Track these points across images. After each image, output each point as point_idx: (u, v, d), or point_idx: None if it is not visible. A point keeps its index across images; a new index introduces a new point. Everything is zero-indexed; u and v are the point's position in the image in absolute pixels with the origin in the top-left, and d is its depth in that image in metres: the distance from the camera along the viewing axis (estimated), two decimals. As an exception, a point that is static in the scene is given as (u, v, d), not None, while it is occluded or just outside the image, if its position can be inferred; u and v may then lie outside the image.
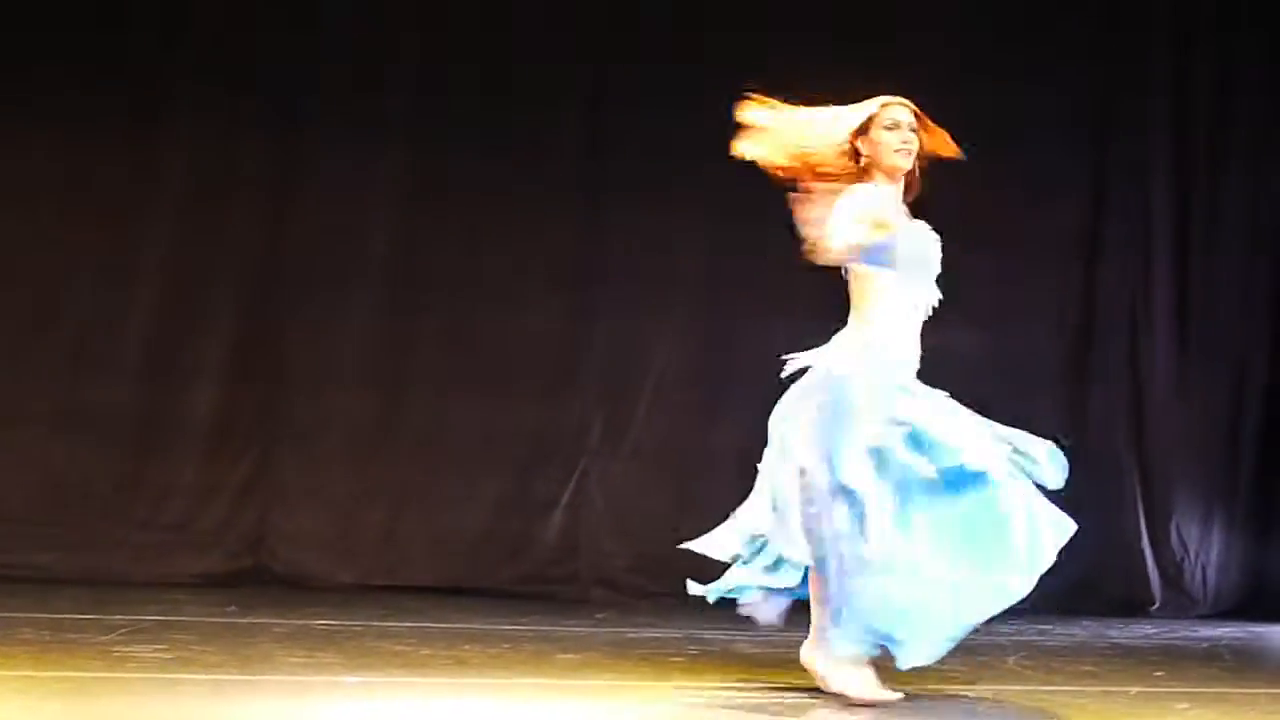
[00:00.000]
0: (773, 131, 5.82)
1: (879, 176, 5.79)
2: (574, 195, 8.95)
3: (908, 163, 5.84)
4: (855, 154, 5.81)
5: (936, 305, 5.88)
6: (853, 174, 5.79)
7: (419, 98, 8.85)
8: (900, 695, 5.66)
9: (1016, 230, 9.28)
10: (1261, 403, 9.65)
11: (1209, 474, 9.60)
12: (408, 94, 8.85)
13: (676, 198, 8.85)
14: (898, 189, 5.84)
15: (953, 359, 9.20)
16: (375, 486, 8.76)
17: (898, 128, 5.81)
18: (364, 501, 8.75)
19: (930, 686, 6.06)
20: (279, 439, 8.73)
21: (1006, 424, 7.93)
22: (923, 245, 5.81)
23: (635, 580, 8.71)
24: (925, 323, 8.28)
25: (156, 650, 5.99)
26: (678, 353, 8.92)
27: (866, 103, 5.86)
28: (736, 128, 5.82)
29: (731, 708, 5.54)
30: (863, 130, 5.80)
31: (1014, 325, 9.29)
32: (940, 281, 5.85)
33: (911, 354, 5.85)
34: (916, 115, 5.86)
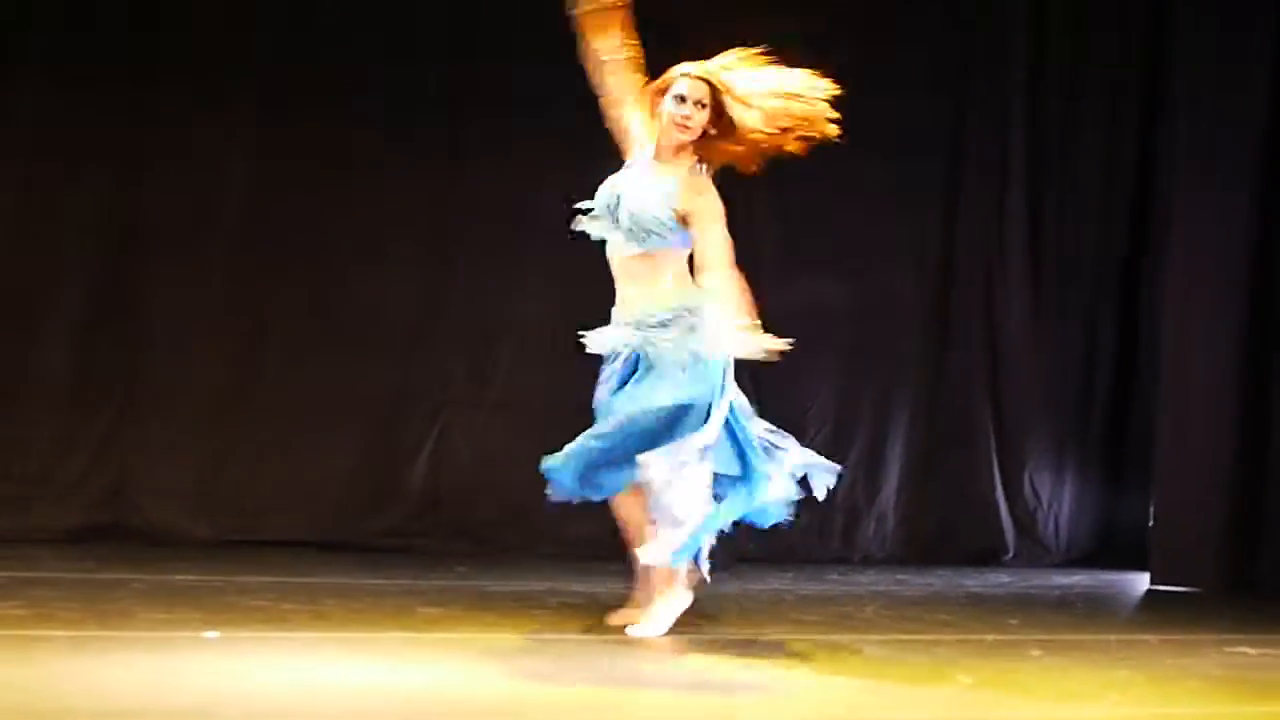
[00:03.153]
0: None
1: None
2: (430, 148, 8.90)
3: (683, 136, 6.00)
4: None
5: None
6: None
7: (274, 59, 8.76)
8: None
9: (873, 186, 9.36)
10: (1112, 355, 9.82)
11: (1062, 425, 9.76)
12: (262, 55, 8.75)
13: (533, 147, 8.82)
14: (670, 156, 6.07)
15: (813, 311, 9.35)
16: (235, 441, 8.69)
17: (682, 101, 5.94)
18: (224, 456, 8.67)
19: (784, 634, 6.13)
20: (138, 393, 8.62)
21: (870, 376, 8.03)
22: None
23: (498, 533, 8.72)
24: (787, 273, 8.48)
25: (13, 607, 5.92)
26: (538, 303, 8.91)
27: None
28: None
29: (589, 652, 5.59)
30: (657, 92, 5.99)
31: (873, 278, 9.37)
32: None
33: None
34: (726, 90, 5.97)
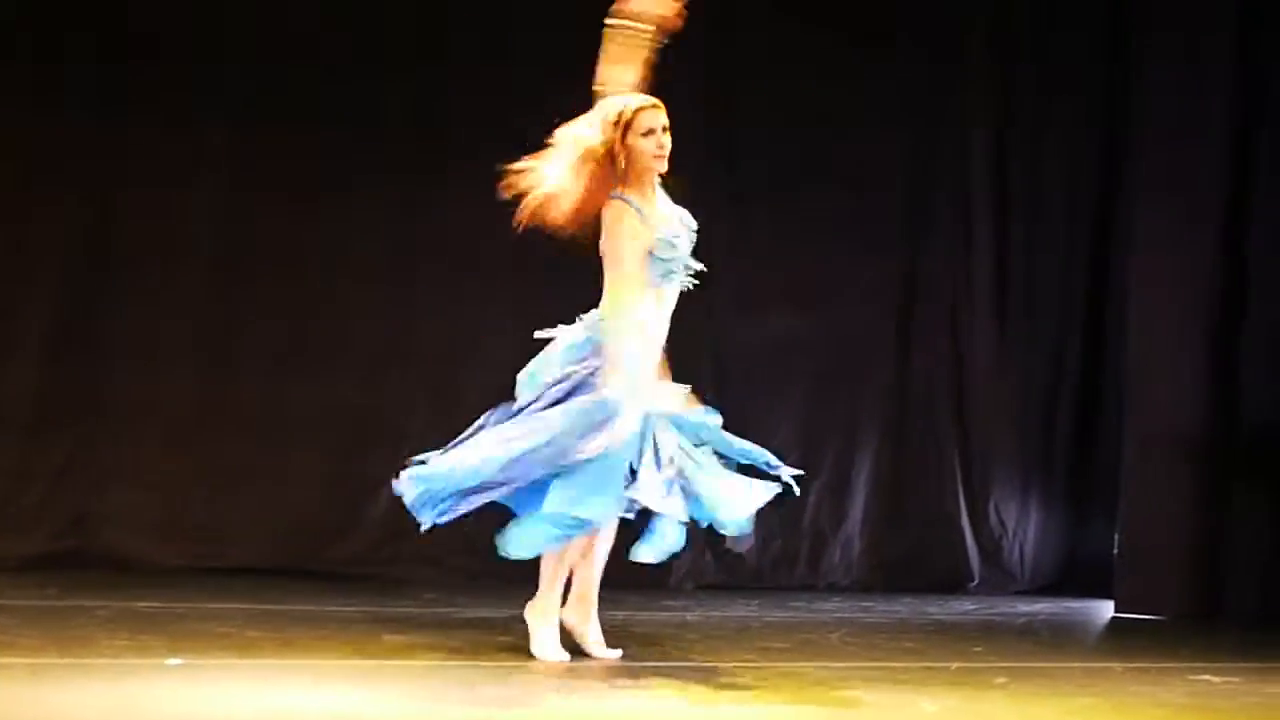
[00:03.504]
0: (550, 197, 5.97)
1: (633, 180, 5.99)
2: (396, 175, 8.90)
3: (663, 166, 6.02)
4: (612, 159, 5.98)
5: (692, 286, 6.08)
6: (609, 177, 5.99)
7: (244, 75, 8.74)
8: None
9: (841, 213, 9.39)
10: (1077, 384, 9.86)
11: (1026, 454, 9.79)
12: (232, 72, 8.74)
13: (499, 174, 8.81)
14: (652, 188, 6.05)
15: (779, 340, 9.38)
16: (199, 467, 8.66)
17: (652, 134, 5.95)
18: (187, 482, 8.64)
19: (748, 662, 6.13)
20: (100, 419, 8.58)
21: (836, 405, 7.99)
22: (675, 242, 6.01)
23: (462, 560, 8.69)
24: (753, 304, 8.47)
25: (-26, 634, 5.89)
26: (503, 331, 8.89)
27: (612, 107, 6.00)
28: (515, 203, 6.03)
29: (552, 681, 5.58)
30: (622, 138, 5.95)
31: (838, 307, 9.40)
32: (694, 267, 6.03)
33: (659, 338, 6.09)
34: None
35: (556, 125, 6.12)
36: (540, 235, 8.26)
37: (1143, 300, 9.04)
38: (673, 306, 6.10)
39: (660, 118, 6.02)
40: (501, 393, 8.80)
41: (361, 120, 8.79)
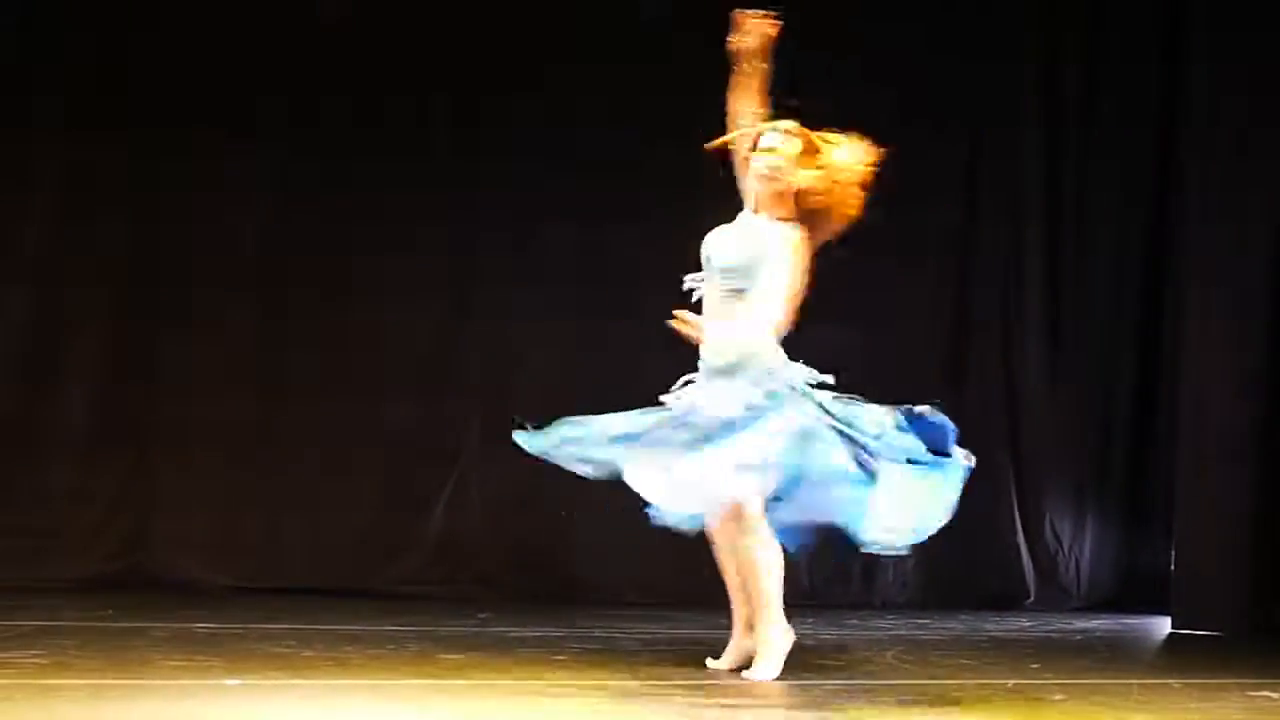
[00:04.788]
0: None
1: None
2: (446, 194, 8.94)
3: (765, 186, 6.01)
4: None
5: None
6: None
7: (292, 98, 8.80)
8: None
9: (889, 230, 9.36)
10: (1131, 398, 9.81)
11: (1081, 469, 9.74)
12: (281, 94, 8.79)
13: (549, 196, 8.86)
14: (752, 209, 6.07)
15: (828, 359, 9.35)
16: (253, 488, 8.71)
17: (768, 151, 5.98)
18: (242, 503, 8.69)
19: (803, 679, 6.12)
20: (154, 441, 8.65)
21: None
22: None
23: (517, 579, 8.71)
24: (800, 322, 8.34)
25: (33, 656, 5.91)
26: (552, 351, 8.92)
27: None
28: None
29: (612, 701, 5.57)
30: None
31: (889, 325, 9.37)
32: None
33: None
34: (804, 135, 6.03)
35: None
36: (588, 253, 8.28)
37: (1197, 314, 8.97)
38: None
39: (772, 137, 6.09)
40: (552, 408, 8.88)
41: (409, 141, 8.83)
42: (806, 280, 6.01)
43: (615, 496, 6.03)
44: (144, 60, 8.65)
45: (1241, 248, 8.80)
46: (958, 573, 9.44)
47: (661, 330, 6.05)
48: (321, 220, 8.79)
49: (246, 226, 8.78)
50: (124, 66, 8.63)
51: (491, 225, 8.93)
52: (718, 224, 6.13)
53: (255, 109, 8.75)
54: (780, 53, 6.09)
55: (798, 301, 5.98)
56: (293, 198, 8.78)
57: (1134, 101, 9.81)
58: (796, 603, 8.77)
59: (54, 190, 8.60)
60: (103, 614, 7.27)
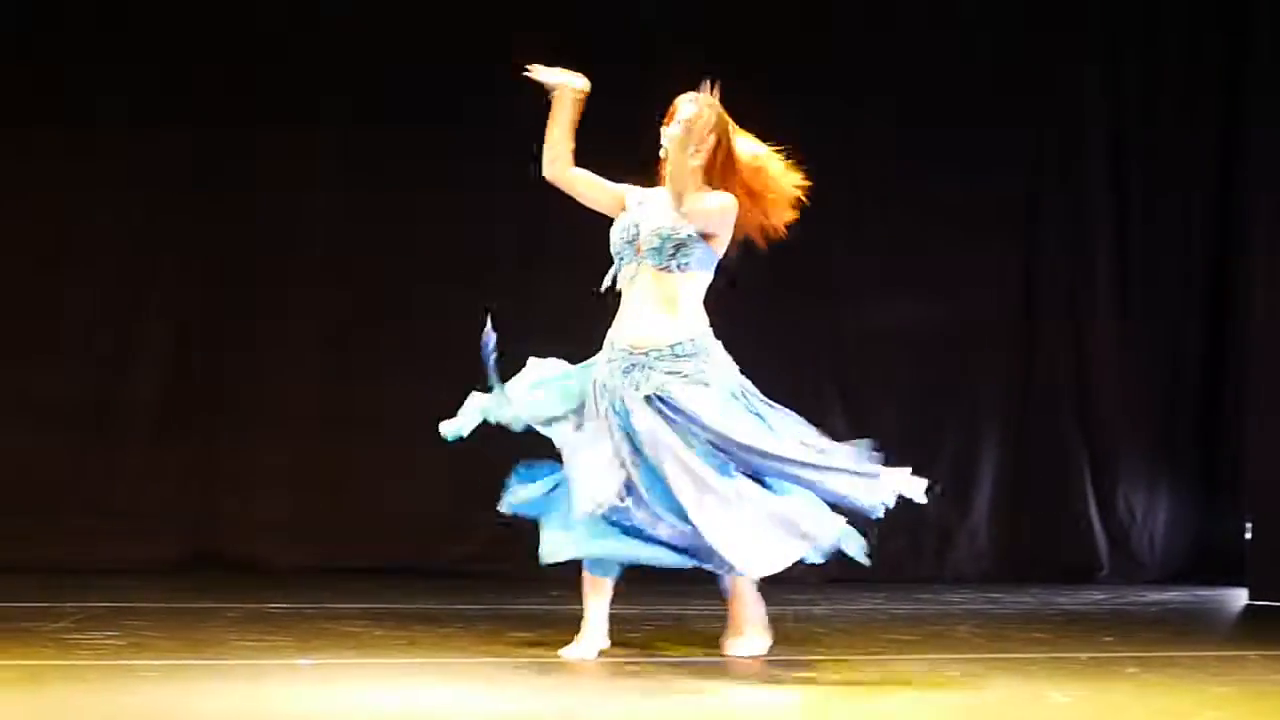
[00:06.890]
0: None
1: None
2: (509, 179, 8.93)
3: (663, 153, 6.01)
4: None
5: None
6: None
7: (354, 87, 8.83)
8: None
9: (956, 203, 9.32)
10: (1201, 368, 9.72)
11: (1154, 441, 9.67)
12: (345, 94, 8.83)
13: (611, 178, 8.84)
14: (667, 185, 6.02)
15: (901, 331, 9.30)
16: (324, 468, 8.75)
17: (672, 119, 6.00)
18: (311, 484, 8.74)
19: (877, 654, 6.09)
20: (226, 421, 8.71)
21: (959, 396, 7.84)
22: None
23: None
24: (866, 297, 8.35)
25: (109, 637, 5.96)
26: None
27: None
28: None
29: (680, 677, 5.57)
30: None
31: (957, 298, 9.33)
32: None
33: None
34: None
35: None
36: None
37: (1264, 283, 8.88)
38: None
39: (680, 106, 5.99)
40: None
41: (477, 119, 8.82)
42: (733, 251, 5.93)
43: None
44: (217, 57, 8.71)
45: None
46: (1030, 547, 9.39)
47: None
48: (392, 199, 8.83)
49: (316, 205, 8.83)
50: (188, 63, 8.68)
51: (556, 208, 8.91)
52: None
53: (325, 85, 8.78)
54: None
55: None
56: (363, 174, 8.82)
57: (1198, 50, 9.71)
58: (868, 578, 8.80)
59: (127, 176, 8.67)
60: (176, 595, 7.33)
